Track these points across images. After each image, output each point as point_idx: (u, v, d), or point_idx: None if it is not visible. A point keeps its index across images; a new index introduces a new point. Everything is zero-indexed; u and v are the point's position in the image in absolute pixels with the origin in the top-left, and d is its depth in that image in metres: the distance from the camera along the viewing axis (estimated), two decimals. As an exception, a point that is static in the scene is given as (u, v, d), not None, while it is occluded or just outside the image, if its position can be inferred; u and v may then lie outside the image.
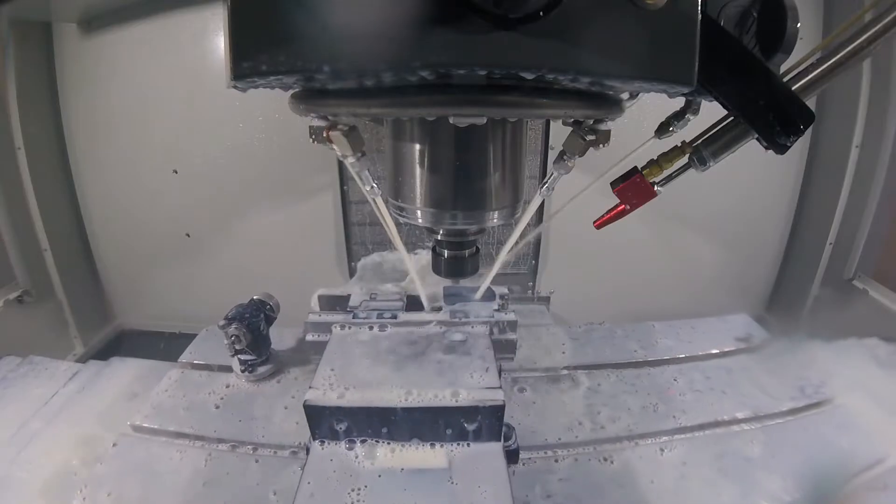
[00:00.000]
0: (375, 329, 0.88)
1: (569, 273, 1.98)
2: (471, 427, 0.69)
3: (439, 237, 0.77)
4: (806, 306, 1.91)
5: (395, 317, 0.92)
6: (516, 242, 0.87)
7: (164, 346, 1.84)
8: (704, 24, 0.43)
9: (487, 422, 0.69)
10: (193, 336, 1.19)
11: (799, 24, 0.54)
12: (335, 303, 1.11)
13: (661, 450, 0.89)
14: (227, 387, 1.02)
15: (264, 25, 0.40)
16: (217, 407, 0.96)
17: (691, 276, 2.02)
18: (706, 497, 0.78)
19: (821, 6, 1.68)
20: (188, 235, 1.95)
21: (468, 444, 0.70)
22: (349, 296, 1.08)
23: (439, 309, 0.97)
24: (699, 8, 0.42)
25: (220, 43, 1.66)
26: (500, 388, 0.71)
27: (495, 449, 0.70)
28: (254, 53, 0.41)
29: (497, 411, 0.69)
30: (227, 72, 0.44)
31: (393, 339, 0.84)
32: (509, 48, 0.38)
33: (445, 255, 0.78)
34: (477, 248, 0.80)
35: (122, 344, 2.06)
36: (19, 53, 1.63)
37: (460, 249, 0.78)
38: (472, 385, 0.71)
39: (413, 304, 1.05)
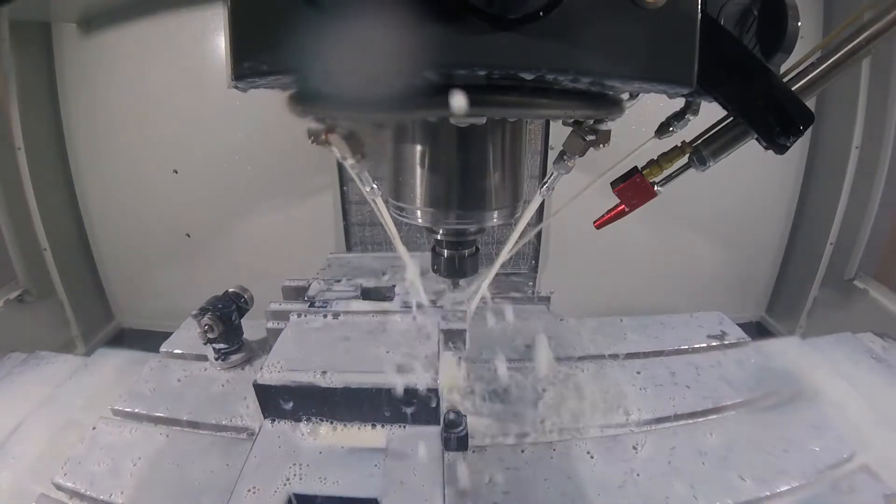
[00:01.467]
0: (329, 317, 0.92)
1: (569, 273, 1.98)
2: (408, 410, 0.73)
3: (439, 237, 0.77)
4: (806, 306, 1.90)
5: (348, 306, 0.97)
6: (515, 243, 0.87)
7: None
8: (704, 23, 0.43)
9: (423, 405, 0.73)
10: (193, 335, 1.21)
11: (800, 23, 0.54)
12: (298, 293, 1.18)
13: (610, 442, 0.87)
14: (204, 371, 1.07)
15: (265, 25, 0.40)
16: (188, 392, 1.00)
17: (691, 276, 2.02)
18: (654, 490, 0.77)
19: (821, 5, 1.68)
20: (188, 235, 1.95)
21: (405, 427, 0.73)
22: (309, 285, 1.14)
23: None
24: (699, 7, 0.42)
25: (220, 43, 1.66)
26: (436, 372, 0.74)
27: (432, 431, 0.73)
28: (255, 53, 0.41)
29: (432, 395, 0.72)
30: (227, 72, 0.44)
31: (345, 326, 0.88)
32: (509, 49, 0.38)
33: (445, 254, 0.78)
34: (476, 247, 0.81)
35: (122, 343, 2.06)
36: (19, 53, 1.63)
37: (460, 249, 0.78)
38: (413, 369, 0.75)
39: (367, 294, 1.10)
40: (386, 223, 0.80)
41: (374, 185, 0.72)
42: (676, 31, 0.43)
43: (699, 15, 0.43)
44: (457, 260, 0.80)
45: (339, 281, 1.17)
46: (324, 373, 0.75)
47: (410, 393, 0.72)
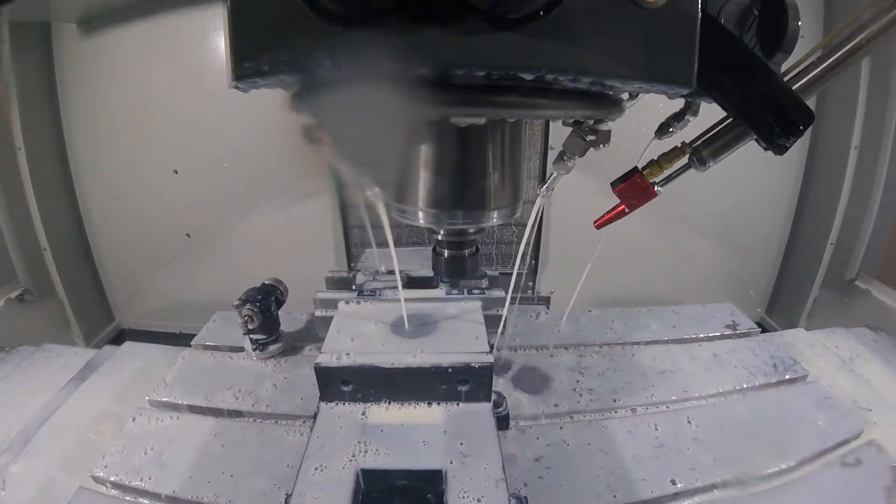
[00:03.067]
0: (378, 304, 0.96)
1: (569, 273, 1.98)
2: (463, 388, 0.77)
3: (439, 237, 0.78)
4: (806, 307, 1.90)
5: (395, 293, 1.00)
6: (524, 245, 0.88)
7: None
8: (704, 22, 0.43)
9: (477, 382, 0.77)
10: (193, 336, 1.22)
11: (800, 23, 0.54)
12: (340, 284, 1.25)
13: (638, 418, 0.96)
14: (241, 361, 1.10)
15: (265, 25, 0.40)
16: (227, 382, 1.03)
17: (691, 276, 2.02)
18: (682, 463, 0.86)
19: (821, 5, 1.68)
20: (188, 235, 1.95)
21: (461, 404, 0.78)
22: (354, 276, 1.20)
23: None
24: (699, 6, 0.42)
25: (220, 43, 1.66)
26: (489, 352, 0.78)
27: (485, 408, 0.77)
28: (255, 53, 0.41)
29: (486, 371, 0.76)
30: (227, 72, 0.44)
31: (393, 312, 0.91)
32: (509, 49, 0.38)
33: (445, 254, 0.79)
34: (477, 247, 0.81)
35: (122, 343, 2.06)
36: (19, 54, 1.63)
37: (460, 249, 0.78)
38: (464, 349, 0.79)
39: (412, 282, 1.16)
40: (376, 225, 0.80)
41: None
42: (676, 31, 0.43)
43: (699, 15, 0.43)
44: (457, 260, 0.80)
45: (383, 272, 1.21)
46: (383, 354, 0.78)
47: (466, 371, 0.75)
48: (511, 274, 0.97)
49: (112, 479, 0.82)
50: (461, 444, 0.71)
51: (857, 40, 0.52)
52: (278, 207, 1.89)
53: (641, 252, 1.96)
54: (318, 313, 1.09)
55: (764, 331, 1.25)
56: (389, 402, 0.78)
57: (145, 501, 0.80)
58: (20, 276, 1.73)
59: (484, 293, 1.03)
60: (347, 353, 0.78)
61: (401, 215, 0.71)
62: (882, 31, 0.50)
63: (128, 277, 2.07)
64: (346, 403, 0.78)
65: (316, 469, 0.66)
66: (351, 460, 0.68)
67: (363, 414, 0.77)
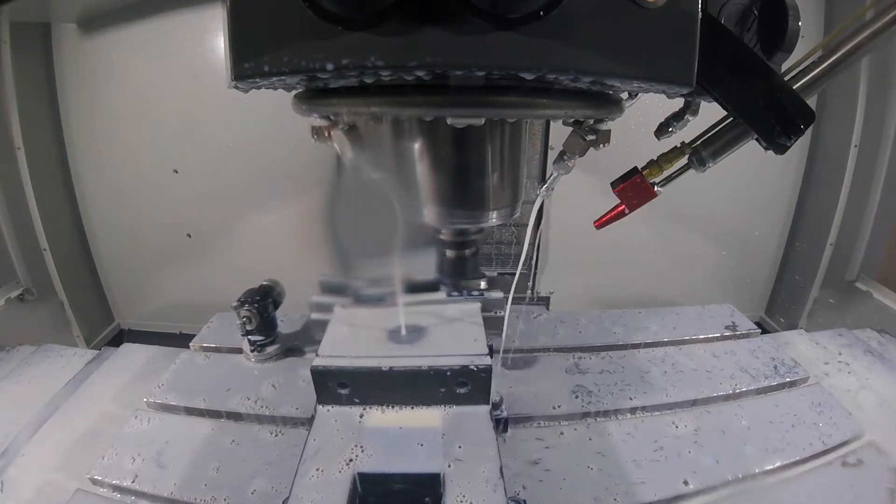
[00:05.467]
0: (375, 307, 0.96)
1: (568, 273, 1.98)
2: (461, 390, 0.76)
3: (440, 237, 0.77)
4: (806, 307, 1.90)
5: (392, 297, 0.98)
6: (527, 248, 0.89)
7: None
8: (705, 22, 0.43)
9: (476, 384, 0.76)
10: (193, 336, 1.22)
11: (800, 23, 0.54)
12: (335, 287, 1.19)
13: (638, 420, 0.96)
14: (238, 363, 1.10)
15: (265, 25, 0.40)
16: (224, 383, 1.03)
17: (690, 276, 2.02)
18: (682, 465, 0.85)
19: (821, 5, 1.67)
20: (189, 235, 1.95)
21: (458, 407, 0.77)
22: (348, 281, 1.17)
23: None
24: (699, 6, 0.42)
25: (219, 43, 1.66)
26: (488, 354, 0.78)
27: (483, 410, 0.77)
28: (255, 54, 0.41)
29: (484, 374, 0.75)
30: (227, 72, 0.43)
31: (390, 315, 0.90)
32: (509, 49, 0.38)
33: (446, 254, 0.79)
34: (477, 248, 0.81)
35: (122, 343, 2.06)
36: (19, 54, 1.63)
37: (460, 249, 0.78)
38: (463, 351, 0.78)
39: (412, 287, 1.12)
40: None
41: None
42: (676, 31, 0.42)
43: (699, 14, 0.42)
44: (458, 260, 0.80)
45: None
46: (379, 356, 0.78)
47: (465, 374, 0.75)
48: (510, 274, 0.97)
49: (110, 481, 0.82)
50: (459, 447, 0.70)
51: (857, 40, 0.52)
52: (278, 207, 1.89)
53: (641, 252, 1.96)
54: (314, 316, 1.08)
55: (764, 332, 1.26)
56: (387, 405, 0.78)
57: (143, 503, 0.80)
58: (20, 276, 1.73)
59: (483, 294, 1.02)
60: (344, 356, 0.77)
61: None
62: (882, 30, 0.50)
63: (128, 277, 2.06)
64: (343, 406, 0.78)
65: (313, 472, 0.66)
66: (348, 464, 0.67)
67: (360, 417, 0.76)
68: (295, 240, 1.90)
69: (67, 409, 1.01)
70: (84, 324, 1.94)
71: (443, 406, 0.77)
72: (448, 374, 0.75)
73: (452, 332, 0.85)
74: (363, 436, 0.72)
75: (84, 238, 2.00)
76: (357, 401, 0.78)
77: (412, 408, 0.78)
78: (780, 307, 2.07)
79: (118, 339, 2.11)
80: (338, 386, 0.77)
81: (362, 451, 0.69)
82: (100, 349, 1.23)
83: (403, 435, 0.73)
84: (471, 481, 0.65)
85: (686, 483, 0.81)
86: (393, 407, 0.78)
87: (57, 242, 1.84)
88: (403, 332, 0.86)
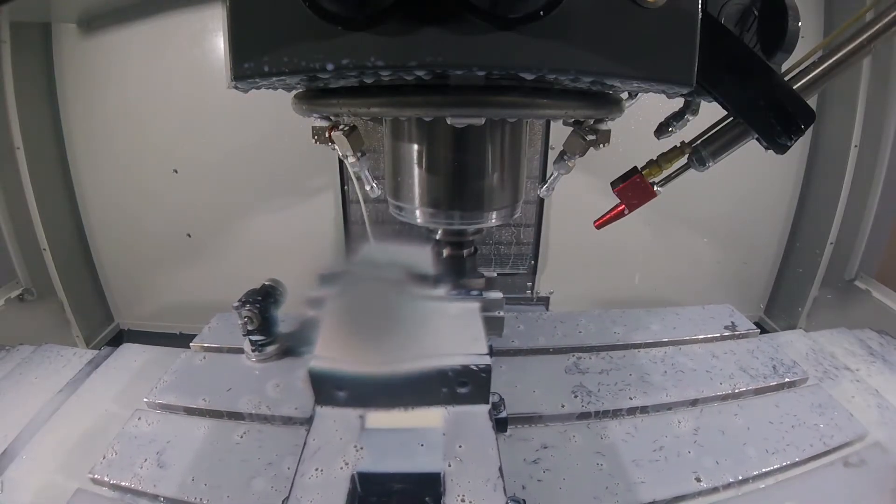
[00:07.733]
0: (370, 303, 0.93)
1: (568, 274, 1.98)
2: (462, 390, 0.76)
3: (438, 237, 0.77)
4: (806, 307, 1.90)
5: (391, 293, 0.98)
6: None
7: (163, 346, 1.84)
8: (705, 22, 0.43)
9: (476, 384, 0.76)
10: (193, 336, 1.22)
11: (800, 23, 0.54)
12: (335, 281, 1.17)
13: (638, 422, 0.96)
14: (239, 363, 1.10)
15: (265, 26, 0.40)
16: (225, 383, 1.03)
17: (690, 276, 2.02)
18: (683, 468, 0.85)
19: (822, 5, 1.67)
20: (189, 236, 1.95)
21: (459, 406, 0.77)
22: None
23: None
24: (699, 6, 0.42)
25: (219, 43, 1.66)
26: (489, 354, 0.77)
27: (483, 410, 0.77)
28: (255, 54, 0.41)
29: (484, 374, 0.75)
30: (227, 72, 0.43)
31: (387, 312, 0.89)
32: (509, 49, 0.38)
33: (444, 254, 0.79)
34: (475, 248, 0.81)
35: (122, 344, 2.05)
36: (18, 54, 1.63)
37: (459, 249, 0.78)
38: (463, 351, 0.78)
39: (409, 281, 1.10)
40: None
41: (374, 184, 0.73)
42: (676, 31, 0.42)
43: (700, 14, 0.42)
44: (455, 260, 0.80)
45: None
46: (378, 358, 0.77)
47: (466, 373, 0.74)
48: (510, 275, 0.96)
49: (110, 481, 0.82)
50: (460, 446, 0.70)
51: (858, 40, 0.52)
52: (279, 207, 1.89)
53: (641, 252, 1.96)
54: (313, 313, 1.08)
55: (763, 331, 1.26)
56: (386, 405, 0.77)
57: (143, 503, 0.80)
58: (20, 276, 1.73)
59: (482, 294, 1.03)
60: (342, 357, 0.76)
61: (398, 213, 0.71)
62: (882, 31, 0.50)
63: (127, 278, 2.06)
64: (343, 406, 0.77)
65: (312, 472, 0.66)
66: (347, 464, 0.67)
67: (360, 416, 0.76)
68: (296, 240, 1.90)
69: (67, 409, 1.01)
70: (84, 324, 1.94)
71: (443, 406, 0.77)
72: (449, 373, 0.75)
73: (452, 332, 0.85)
74: (363, 435, 0.72)
75: (84, 238, 2.00)
76: (356, 401, 0.77)
77: (412, 408, 0.77)
78: (779, 307, 2.07)
79: (118, 339, 2.11)
80: (336, 388, 0.76)
81: (362, 451, 0.69)
82: (99, 349, 1.23)
83: (403, 434, 0.73)
84: (471, 480, 0.65)
85: (697, 480, 0.81)
86: (392, 407, 0.78)
87: (57, 242, 1.84)
88: (403, 330, 0.85)
